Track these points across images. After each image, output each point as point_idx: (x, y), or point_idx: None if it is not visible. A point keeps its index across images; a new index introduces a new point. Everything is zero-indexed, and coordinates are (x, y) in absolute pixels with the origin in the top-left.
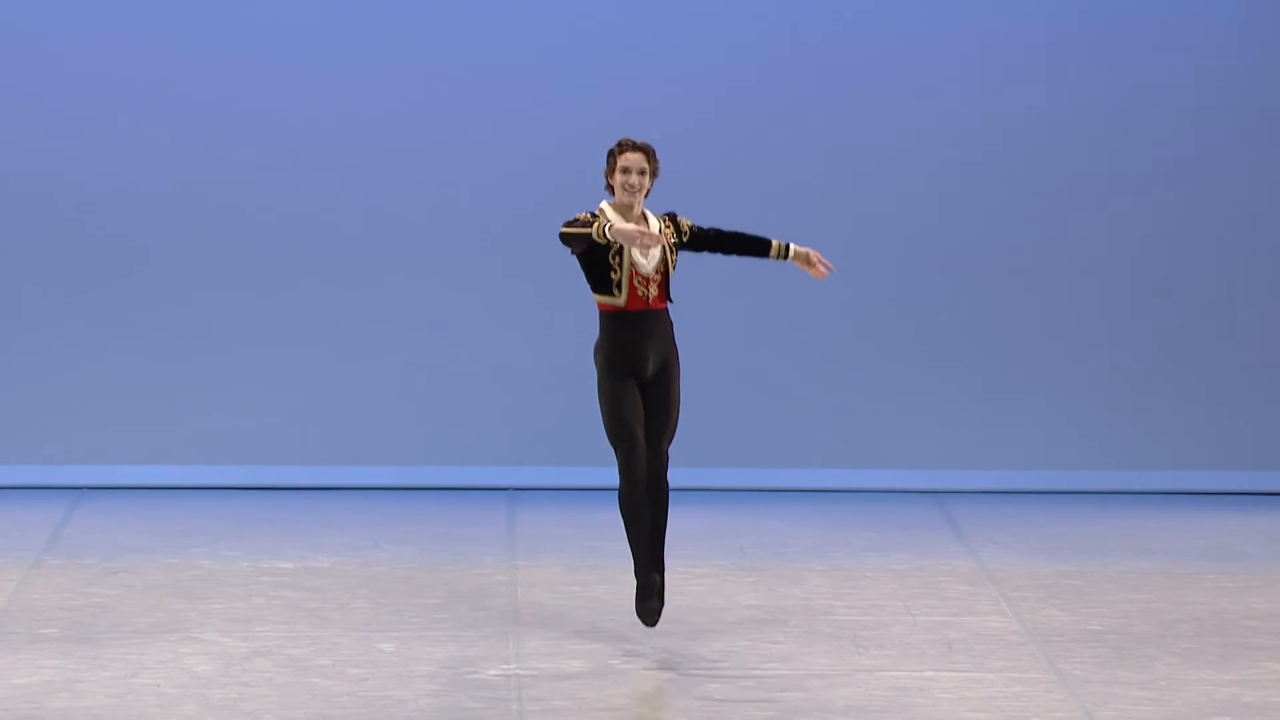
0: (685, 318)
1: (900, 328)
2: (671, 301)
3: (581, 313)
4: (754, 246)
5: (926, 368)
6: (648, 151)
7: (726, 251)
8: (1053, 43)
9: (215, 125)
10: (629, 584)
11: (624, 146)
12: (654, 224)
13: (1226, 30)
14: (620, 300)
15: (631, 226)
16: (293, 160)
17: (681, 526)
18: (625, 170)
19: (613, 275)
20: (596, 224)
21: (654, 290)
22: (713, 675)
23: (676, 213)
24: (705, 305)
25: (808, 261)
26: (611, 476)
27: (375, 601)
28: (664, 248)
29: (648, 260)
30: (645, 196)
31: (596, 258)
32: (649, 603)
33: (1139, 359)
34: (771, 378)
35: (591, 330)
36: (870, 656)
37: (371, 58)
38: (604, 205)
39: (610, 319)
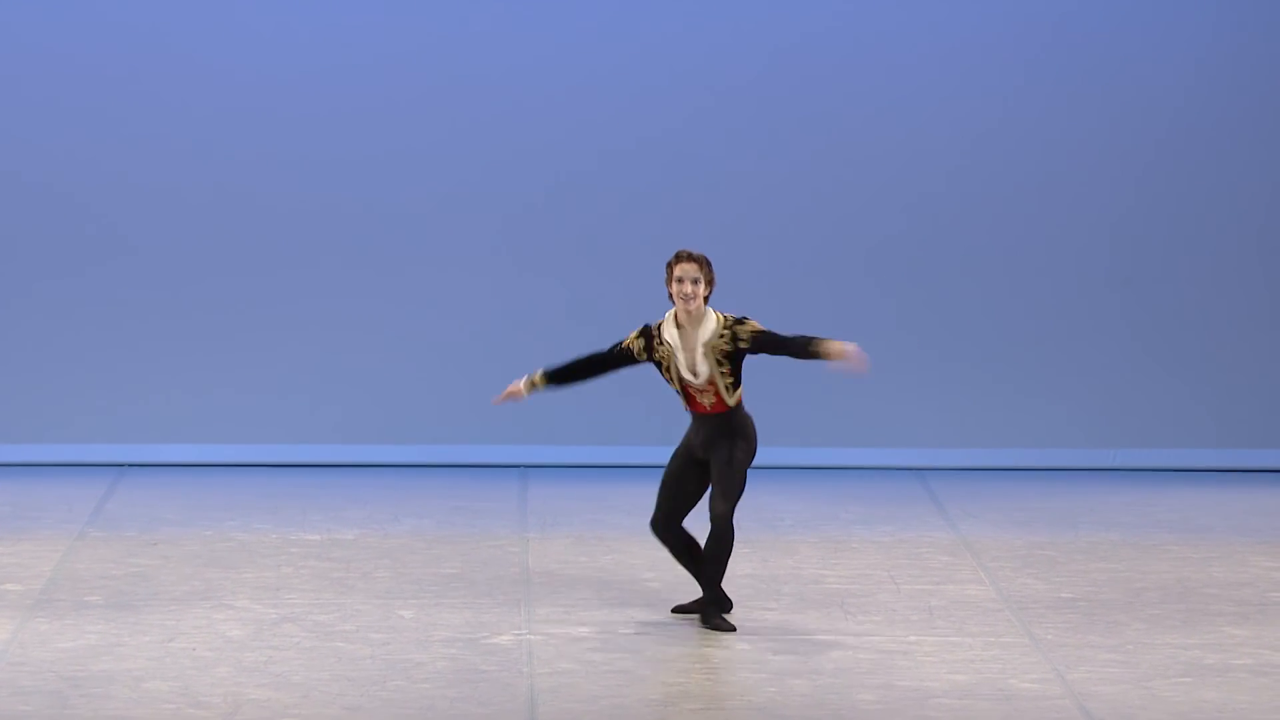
0: None
1: (886, 317)
2: (731, 405)
3: (589, 300)
4: (804, 351)
5: (911, 354)
6: (700, 261)
7: (782, 354)
8: (1035, 50)
9: (244, 120)
10: (633, 555)
11: (680, 258)
12: (710, 328)
13: (1193, 36)
14: (683, 405)
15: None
16: (323, 151)
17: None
18: (680, 280)
19: (672, 386)
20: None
21: (710, 399)
22: (711, 639)
23: (747, 317)
24: None
25: (842, 356)
26: (616, 454)
27: (396, 571)
28: (712, 362)
29: (696, 377)
30: (704, 303)
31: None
32: (713, 619)
33: (1110, 344)
34: (766, 363)
35: (598, 314)
36: (857, 622)
37: (381, 53)
38: (668, 315)
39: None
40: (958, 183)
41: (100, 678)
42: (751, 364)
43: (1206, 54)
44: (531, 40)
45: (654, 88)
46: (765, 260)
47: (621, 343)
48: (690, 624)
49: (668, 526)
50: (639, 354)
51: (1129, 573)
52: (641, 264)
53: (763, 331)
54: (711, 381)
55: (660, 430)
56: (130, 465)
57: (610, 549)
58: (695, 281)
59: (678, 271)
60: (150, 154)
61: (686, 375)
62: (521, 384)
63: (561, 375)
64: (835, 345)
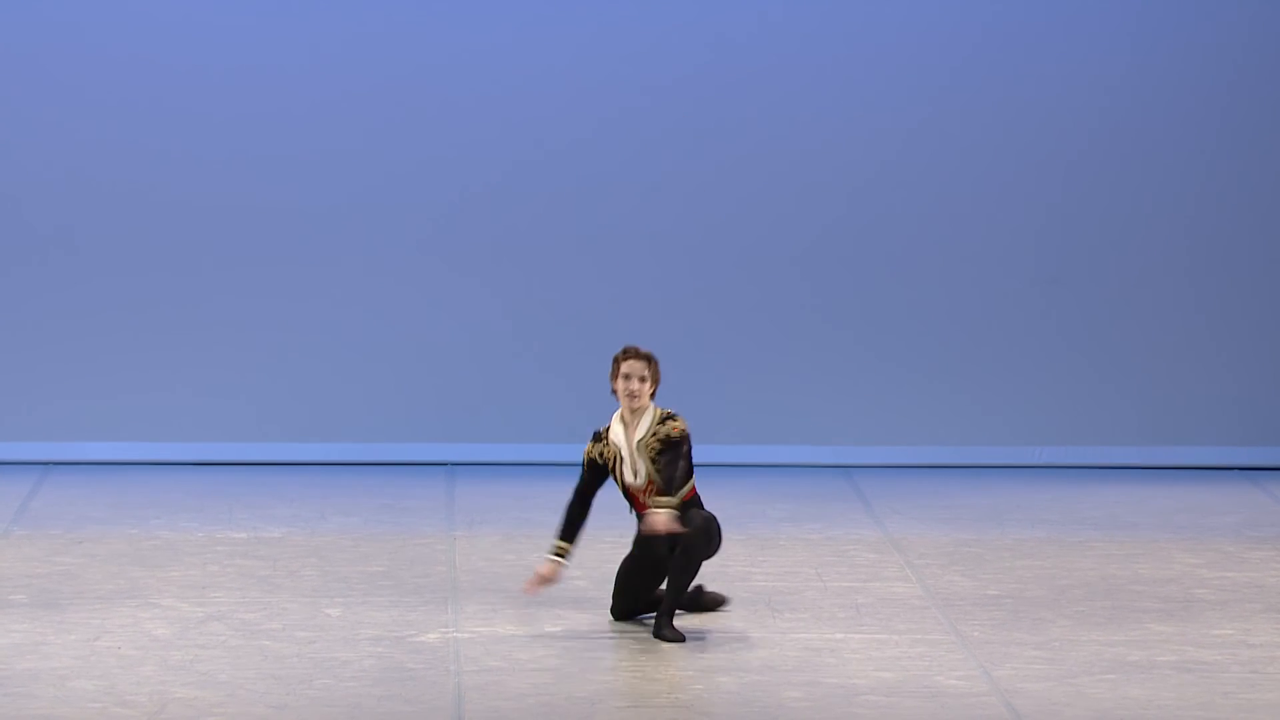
0: (610, 298)
1: (814, 315)
2: (671, 497)
3: (516, 299)
4: (667, 487)
5: (839, 351)
6: (648, 359)
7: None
8: (960, 51)
9: (183, 121)
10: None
11: (627, 354)
12: (645, 424)
13: (1117, 36)
14: (630, 511)
15: (659, 516)
16: (248, 150)
17: (611, 501)
18: (626, 377)
19: (621, 492)
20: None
21: (649, 498)
22: (637, 638)
23: (675, 415)
24: (626, 288)
25: (652, 530)
26: (542, 453)
27: (322, 569)
28: (646, 460)
29: (636, 478)
30: (650, 400)
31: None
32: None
33: (1036, 342)
34: (696, 361)
35: (524, 314)
36: (784, 619)
37: (320, 51)
38: (615, 415)
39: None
40: (885, 182)
41: (24, 676)
42: (681, 361)
43: (1131, 53)
44: (461, 41)
45: (583, 89)
46: (695, 260)
47: (583, 463)
48: (614, 623)
49: (627, 616)
50: (600, 458)
51: (1054, 570)
52: (570, 266)
53: (678, 439)
54: (650, 481)
55: (586, 428)
56: (55, 464)
57: (538, 547)
58: (641, 379)
59: (624, 368)
60: (66, 155)
61: (629, 476)
62: (547, 568)
63: (571, 532)
64: (654, 518)
